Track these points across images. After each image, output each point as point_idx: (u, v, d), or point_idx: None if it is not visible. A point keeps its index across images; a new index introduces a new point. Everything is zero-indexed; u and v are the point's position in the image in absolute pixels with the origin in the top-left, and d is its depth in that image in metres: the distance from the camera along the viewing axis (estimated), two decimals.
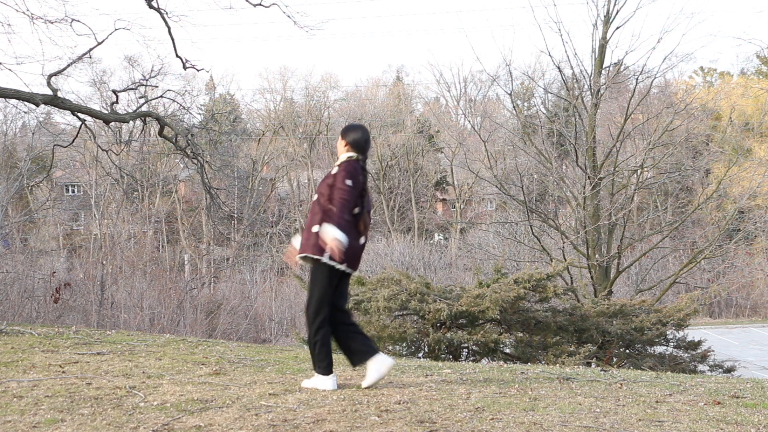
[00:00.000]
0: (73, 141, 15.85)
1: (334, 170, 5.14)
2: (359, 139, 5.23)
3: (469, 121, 52.89)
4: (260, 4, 12.99)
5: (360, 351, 5.17)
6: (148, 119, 15.30)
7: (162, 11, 12.46)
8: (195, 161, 14.21)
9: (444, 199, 53.98)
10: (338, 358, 5.53)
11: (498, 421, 4.23)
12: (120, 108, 15.35)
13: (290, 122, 54.33)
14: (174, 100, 15.82)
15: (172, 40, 13.05)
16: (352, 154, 5.20)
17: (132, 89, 15.56)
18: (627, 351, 12.05)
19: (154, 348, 6.86)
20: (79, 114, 13.06)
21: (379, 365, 5.11)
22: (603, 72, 19.18)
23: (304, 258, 5.13)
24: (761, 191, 22.61)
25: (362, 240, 5.19)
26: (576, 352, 10.38)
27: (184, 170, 46.01)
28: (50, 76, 12.01)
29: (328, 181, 5.12)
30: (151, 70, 15.45)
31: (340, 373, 5.71)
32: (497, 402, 4.71)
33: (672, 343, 12.75)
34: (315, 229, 5.02)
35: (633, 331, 11.63)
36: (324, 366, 5.09)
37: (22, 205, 40.84)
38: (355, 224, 5.11)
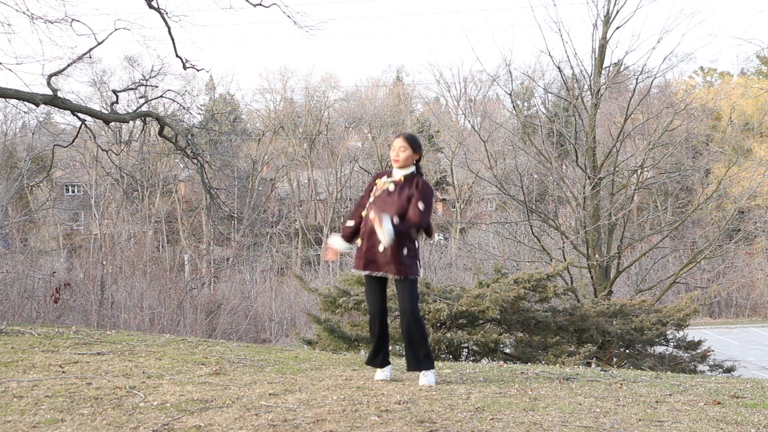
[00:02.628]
0: (73, 141, 15.85)
1: (414, 191, 5.28)
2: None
3: (469, 121, 52.92)
4: (260, 4, 12.99)
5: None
6: (148, 119, 15.31)
7: (162, 11, 12.46)
8: (195, 161, 14.21)
9: (444, 199, 53.97)
10: (339, 358, 5.52)
11: (498, 421, 4.23)
12: (120, 108, 15.36)
13: (290, 122, 54.33)
14: (174, 100, 15.83)
15: (172, 40, 13.06)
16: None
17: (132, 89, 15.57)
18: (627, 351, 12.05)
19: (154, 348, 6.86)
20: (79, 114, 13.06)
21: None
22: (603, 72, 19.17)
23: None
24: (761, 191, 22.63)
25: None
26: (576, 352, 10.38)
27: (184, 170, 46.00)
28: (50, 76, 12.01)
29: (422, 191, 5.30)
30: (151, 70, 15.47)
31: (341, 373, 5.72)
32: (497, 402, 4.71)
33: (672, 343, 12.76)
34: (405, 251, 5.31)
35: (633, 331, 11.63)
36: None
37: (22, 205, 40.85)
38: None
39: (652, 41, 32.77)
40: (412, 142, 5.36)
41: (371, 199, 5.35)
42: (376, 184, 5.41)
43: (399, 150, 5.34)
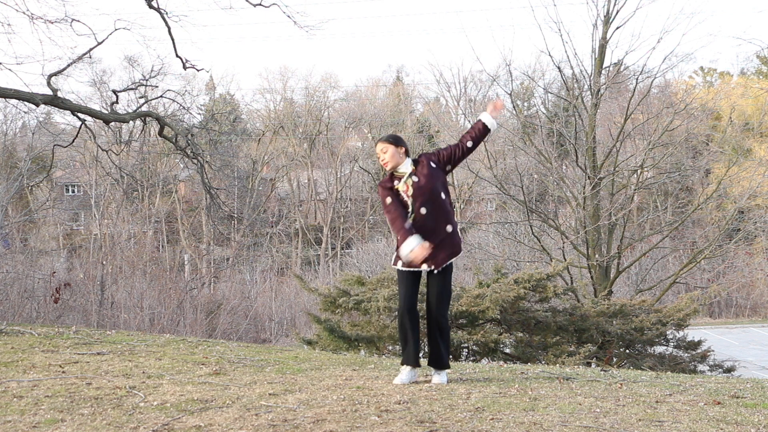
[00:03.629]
0: (73, 141, 15.84)
1: (434, 164, 5.31)
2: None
3: (469, 121, 52.81)
4: (260, 4, 12.99)
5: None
6: (148, 119, 15.31)
7: (162, 11, 12.46)
8: (195, 161, 14.21)
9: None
10: (339, 358, 5.51)
11: (498, 421, 4.23)
12: (120, 108, 15.36)
13: (290, 122, 54.32)
14: (174, 100, 15.83)
15: (172, 40, 13.05)
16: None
17: (132, 89, 15.57)
18: (627, 351, 12.06)
19: (154, 348, 6.86)
20: (79, 114, 13.06)
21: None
22: (603, 72, 19.17)
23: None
24: (761, 191, 22.59)
25: None
26: (576, 352, 10.38)
27: (184, 170, 46.00)
28: (50, 76, 12.01)
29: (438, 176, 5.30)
30: (151, 70, 15.47)
31: (341, 373, 5.72)
32: (497, 402, 4.71)
33: (672, 343, 12.76)
34: (450, 228, 5.25)
35: (633, 331, 11.63)
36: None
37: (22, 205, 40.84)
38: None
39: (652, 41, 32.73)
40: (388, 139, 5.41)
41: (409, 200, 5.22)
42: (396, 189, 5.27)
43: (381, 152, 5.38)
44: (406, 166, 5.33)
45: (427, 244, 5.14)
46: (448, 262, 5.26)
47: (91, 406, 4.59)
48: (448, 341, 5.44)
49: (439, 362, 5.41)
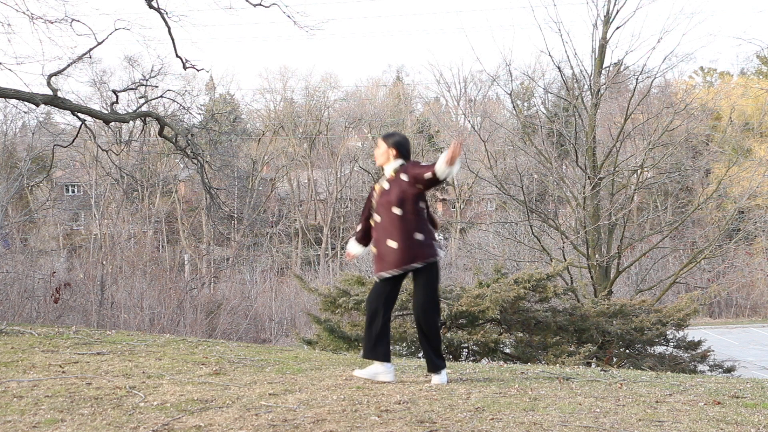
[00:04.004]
0: (73, 141, 15.85)
1: (404, 177, 5.31)
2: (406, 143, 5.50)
3: (469, 121, 52.91)
4: (260, 4, 12.99)
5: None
6: (148, 119, 15.31)
7: (162, 11, 12.46)
8: (195, 161, 14.21)
9: (444, 199, 53.96)
10: (339, 358, 5.51)
11: (498, 421, 4.23)
12: (120, 108, 15.36)
13: (290, 122, 54.32)
14: (174, 100, 15.83)
15: (172, 40, 13.05)
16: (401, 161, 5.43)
17: (132, 89, 15.57)
18: (627, 351, 12.06)
19: (154, 348, 6.86)
20: (79, 114, 13.06)
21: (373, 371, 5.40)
22: (603, 72, 19.17)
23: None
24: (761, 191, 22.60)
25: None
26: (576, 352, 10.38)
27: (184, 170, 46.00)
28: (50, 76, 12.01)
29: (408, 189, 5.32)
30: (151, 70, 15.48)
31: (341, 373, 5.72)
32: (497, 402, 4.71)
33: (672, 343, 12.77)
34: (393, 244, 5.29)
35: (633, 331, 11.64)
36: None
37: (22, 205, 40.84)
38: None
39: (652, 41, 32.78)
40: (384, 138, 5.47)
41: (374, 204, 5.46)
42: (375, 189, 5.52)
43: (376, 147, 5.51)
44: (389, 169, 5.40)
45: (351, 251, 5.71)
46: (394, 271, 5.30)
47: (91, 406, 4.59)
48: (435, 344, 5.44)
49: (429, 365, 5.45)
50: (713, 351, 13.33)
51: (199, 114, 43.38)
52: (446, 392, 5.00)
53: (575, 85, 19.42)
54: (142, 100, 16.10)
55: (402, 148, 5.40)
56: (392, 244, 5.28)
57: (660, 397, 5.00)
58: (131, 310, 22.94)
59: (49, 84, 11.91)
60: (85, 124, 13.83)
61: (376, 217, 5.39)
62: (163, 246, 44.35)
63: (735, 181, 22.21)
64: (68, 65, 12.60)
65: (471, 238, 37.99)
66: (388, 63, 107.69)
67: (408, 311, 11.02)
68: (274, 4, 13.04)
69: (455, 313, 10.61)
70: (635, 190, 20.21)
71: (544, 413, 4.43)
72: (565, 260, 15.88)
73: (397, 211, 5.28)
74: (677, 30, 78.75)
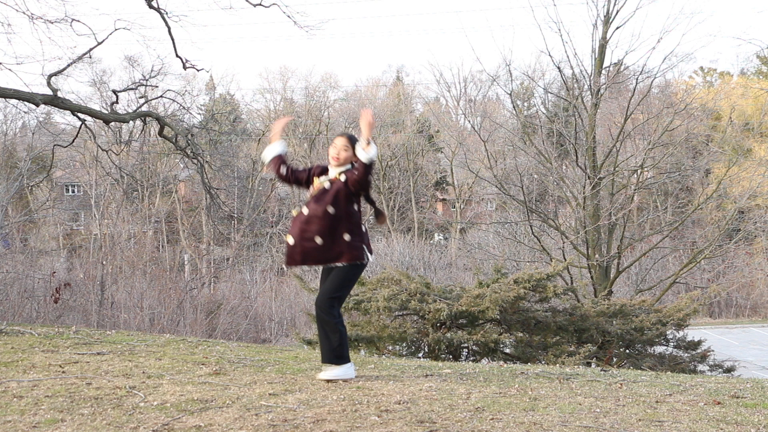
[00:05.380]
0: (73, 141, 15.83)
1: (343, 179, 5.37)
2: None
3: (469, 121, 52.94)
4: (260, 4, 12.99)
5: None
6: (148, 119, 15.31)
7: (162, 11, 12.46)
8: (195, 161, 14.20)
9: (444, 199, 53.96)
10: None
11: (498, 421, 4.23)
12: (120, 108, 15.35)
13: (290, 122, 54.31)
14: (174, 100, 15.83)
15: (172, 40, 13.05)
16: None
17: (132, 89, 15.57)
18: (627, 351, 12.05)
19: (154, 348, 6.86)
20: (79, 114, 13.06)
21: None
22: (603, 72, 19.20)
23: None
24: (761, 191, 22.60)
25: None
26: (576, 352, 10.38)
27: (184, 170, 46.00)
28: (50, 76, 12.01)
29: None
30: (151, 70, 15.48)
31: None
32: (497, 402, 4.71)
33: (672, 343, 12.76)
34: (320, 241, 5.30)
35: (633, 331, 11.63)
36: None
37: (22, 205, 40.82)
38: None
39: (652, 41, 32.85)
40: (350, 140, 5.46)
41: (307, 198, 5.45)
42: (314, 181, 5.48)
43: (341, 149, 5.43)
44: (343, 169, 5.41)
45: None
46: (306, 267, 5.42)
47: (91, 406, 4.59)
48: (333, 341, 5.31)
49: (323, 357, 5.39)
50: (713, 351, 13.33)
51: (199, 114, 43.41)
52: (446, 392, 5.00)
53: (575, 85, 19.44)
54: (142, 100, 16.11)
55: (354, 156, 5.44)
56: (318, 240, 5.29)
57: (660, 397, 5.00)
58: (131, 310, 22.93)
59: (49, 84, 11.91)
60: (85, 124, 13.83)
61: (304, 210, 5.36)
62: (163, 246, 44.34)
63: (735, 181, 22.23)
64: (68, 65, 12.60)
65: (471, 238, 37.99)
66: (388, 63, 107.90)
67: (408, 311, 11.02)
68: (274, 4, 13.04)
69: (455, 313, 10.60)
70: (635, 190, 20.22)
71: (544, 413, 4.43)
72: (565, 260, 15.86)
73: (330, 209, 5.30)
74: (677, 30, 78.85)
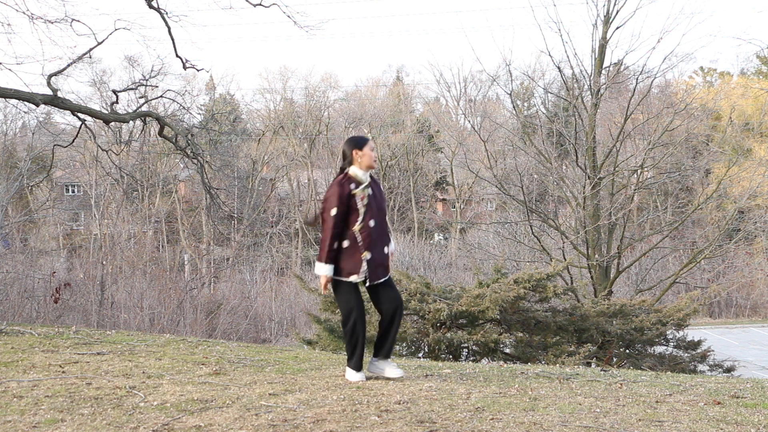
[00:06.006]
0: (73, 141, 15.81)
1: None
2: None
3: (469, 121, 52.99)
4: (260, 4, 12.99)
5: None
6: (148, 119, 15.30)
7: (162, 11, 12.46)
8: (195, 161, 14.19)
9: (444, 199, 53.97)
10: (339, 358, 5.49)
11: (498, 421, 4.23)
12: (120, 108, 15.34)
13: (290, 122, 54.33)
14: (174, 100, 15.81)
15: (172, 40, 13.05)
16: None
17: (132, 89, 15.56)
18: (627, 351, 12.05)
19: (154, 348, 6.86)
20: (79, 114, 13.05)
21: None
22: (603, 72, 19.19)
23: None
24: (761, 191, 22.61)
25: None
26: (576, 352, 10.38)
27: (184, 170, 46.01)
28: (50, 76, 12.00)
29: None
30: (151, 70, 15.47)
31: (340, 373, 5.71)
32: (497, 402, 4.71)
33: (672, 343, 12.75)
34: (387, 250, 5.45)
35: (633, 331, 11.63)
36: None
37: (22, 205, 40.82)
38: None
39: (652, 41, 32.86)
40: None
41: (363, 209, 5.28)
42: (354, 194, 5.29)
43: (373, 152, 5.48)
44: (367, 176, 5.41)
45: (327, 274, 5.27)
46: (386, 277, 5.41)
47: (91, 406, 4.59)
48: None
49: (388, 353, 5.50)
50: (713, 351, 13.32)
51: (199, 114, 43.43)
52: (446, 392, 5.00)
53: (575, 85, 19.44)
54: (142, 100, 16.09)
55: None
56: (386, 250, 5.41)
57: (660, 397, 5.00)
58: (131, 310, 22.94)
59: (49, 84, 11.90)
60: (85, 124, 13.82)
61: (370, 222, 5.29)
62: (163, 246, 44.35)
63: (735, 181, 22.24)
64: (68, 65, 12.59)
65: (471, 238, 37.99)
66: (388, 63, 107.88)
67: (408, 311, 11.01)
68: (274, 4, 13.04)
69: (455, 313, 10.60)
70: (635, 190, 20.22)
71: (544, 413, 4.43)
72: (565, 260, 15.86)
73: (386, 217, 5.40)
74: (677, 30, 78.87)
